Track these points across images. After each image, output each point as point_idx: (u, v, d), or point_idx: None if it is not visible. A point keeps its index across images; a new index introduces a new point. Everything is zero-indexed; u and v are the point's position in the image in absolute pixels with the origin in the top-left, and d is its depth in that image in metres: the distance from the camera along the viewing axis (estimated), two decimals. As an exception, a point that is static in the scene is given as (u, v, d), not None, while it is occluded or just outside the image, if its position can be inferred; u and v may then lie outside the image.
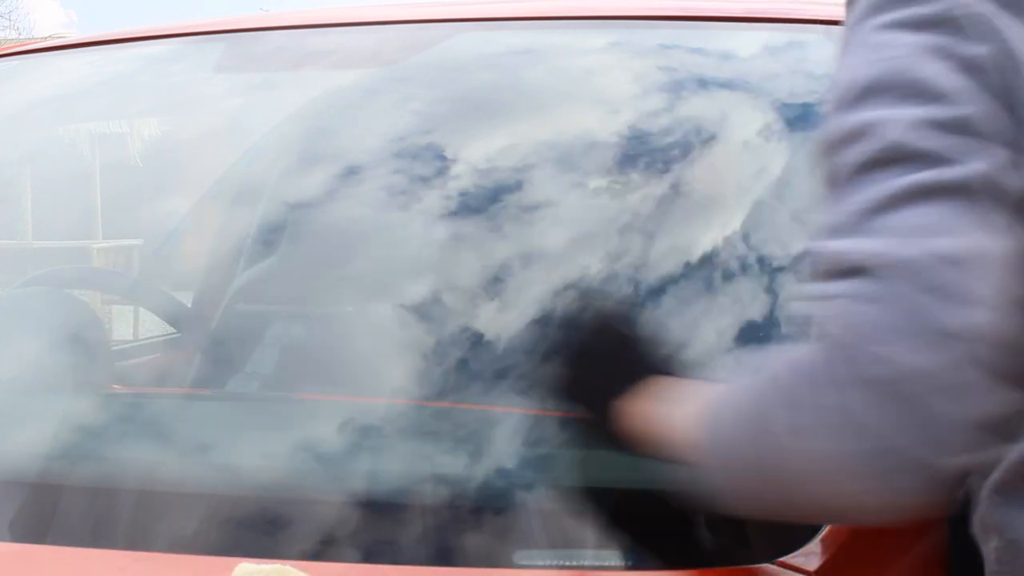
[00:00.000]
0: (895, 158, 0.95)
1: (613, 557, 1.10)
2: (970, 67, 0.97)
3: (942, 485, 0.91)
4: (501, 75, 1.82)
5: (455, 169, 1.65)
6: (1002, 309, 0.91)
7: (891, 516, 0.93)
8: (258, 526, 1.16)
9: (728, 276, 1.48)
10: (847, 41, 1.04)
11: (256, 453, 1.32)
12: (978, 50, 0.97)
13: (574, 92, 1.78)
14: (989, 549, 1.05)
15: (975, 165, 0.94)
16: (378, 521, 1.16)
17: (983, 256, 0.92)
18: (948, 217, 0.92)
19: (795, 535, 1.07)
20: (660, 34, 1.83)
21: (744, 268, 1.45)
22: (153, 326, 2.37)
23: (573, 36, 1.88)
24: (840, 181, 0.97)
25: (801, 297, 0.97)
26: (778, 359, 0.98)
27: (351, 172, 1.72)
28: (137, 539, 1.16)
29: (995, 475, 1.04)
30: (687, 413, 1.01)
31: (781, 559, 1.04)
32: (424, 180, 1.63)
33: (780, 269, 1.43)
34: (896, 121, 0.95)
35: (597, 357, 1.12)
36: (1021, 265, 0.96)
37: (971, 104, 0.96)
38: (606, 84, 1.78)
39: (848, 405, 0.89)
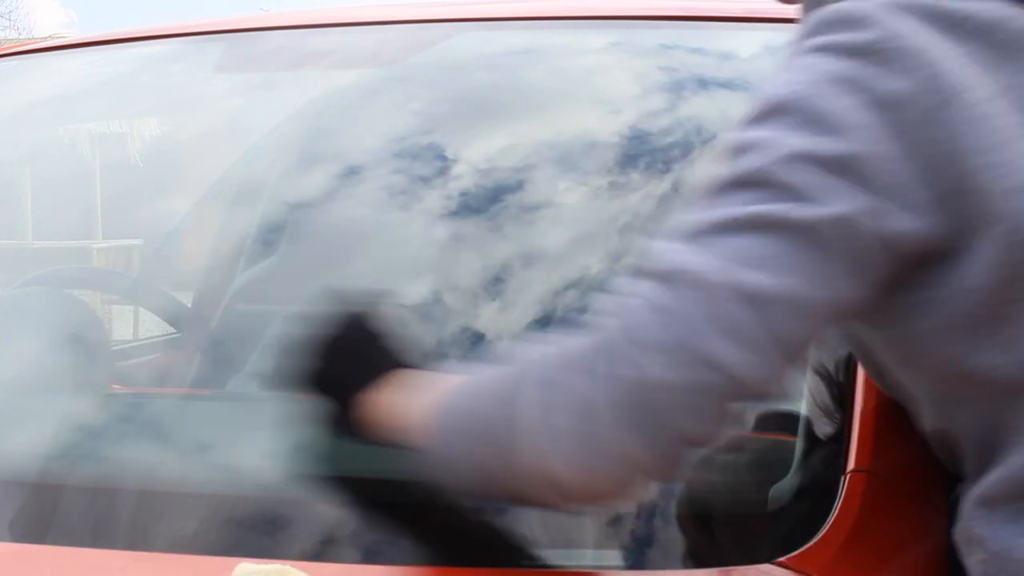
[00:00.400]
0: (759, 183, 0.96)
1: (613, 557, 1.10)
2: (882, 103, 0.96)
3: (637, 482, 0.99)
4: (501, 75, 1.82)
5: (454, 169, 1.65)
6: (771, 358, 0.94)
7: (587, 497, 0.99)
8: (258, 526, 1.16)
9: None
10: (786, 58, 1.04)
11: (256, 453, 1.32)
12: (898, 85, 0.96)
13: (574, 92, 1.78)
14: (974, 561, 1.05)
15: (833, 208, 0.95)
16: (378, 521, 1.16)
17: (785, 302, 0.94)
18: (773, 255, 0.94)
19: (795, 535, 1.07)
20: (660, 34, 1.83)
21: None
22: (153, 326, 2.37)
23: (573, 36, 1.88)
24: (709, 190, 0.99)
25: (610, 289, 1.00)
26: (547, 346, 1.00)
27: (351, 172, 1.72)
28: (137, 539, 1.16)
29: (977, 490, 1.05)
30: (425, 400, 1.05)
31: (781, 559, 1.04)
32: (424, 180, 1.63)
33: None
34: (778, 147, 0.96)
35: (342, 351, 1.14)
36: (831, 317, 0.98)
37: (864, 143, 0.96)
38: (606, 84, 1.78)
39: (592, 395, 0.93)
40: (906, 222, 0.96)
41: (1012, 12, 1.01)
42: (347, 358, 1.13)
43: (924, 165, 0.96)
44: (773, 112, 0.99)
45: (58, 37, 3.45)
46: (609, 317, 0.97)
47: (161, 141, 2.37)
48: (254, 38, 2.00)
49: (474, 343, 1.44)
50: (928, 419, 1.11)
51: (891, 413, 1.20)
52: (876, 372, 1.16)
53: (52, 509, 1.22)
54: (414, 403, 1.06)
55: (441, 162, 1.66)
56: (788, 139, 0.96)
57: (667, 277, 0.95)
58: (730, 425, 0.97)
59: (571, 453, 0.94)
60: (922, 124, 0.96)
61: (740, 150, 0.99)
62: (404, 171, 1.66)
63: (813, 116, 0.97)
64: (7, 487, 1.26)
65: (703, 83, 1.71)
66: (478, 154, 1.66)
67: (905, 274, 1.00)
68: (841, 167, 0.95)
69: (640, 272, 0.97)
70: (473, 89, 1.77)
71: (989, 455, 1.05)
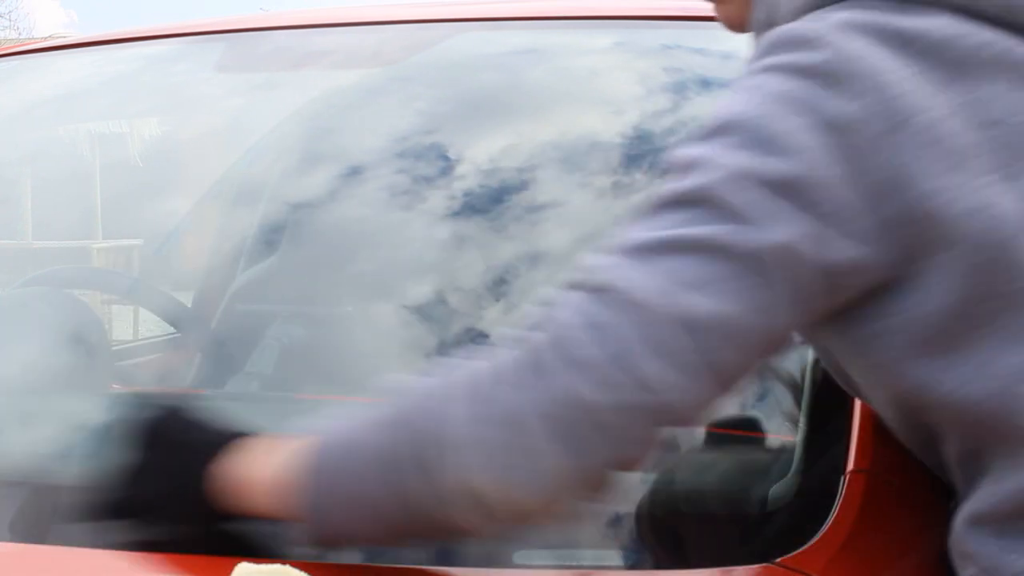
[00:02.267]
0: (701, 201, 0.94)
1: (613, 557, 1.10)
2: (830, 126, 0.94)
3: (564, 500, 0.95)
4: (502, 75, 1.82)
5: (455, 169, 1.65)
6: (704, 384, 0.92)
7: (513, 514, 0.95)
8: (258, 526, 1.16)
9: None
10: (737, 81, 1.02)
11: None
12: (848, 108, 0.95)
13: (574, 92, 1.78)
14: (967, 575, 1.05)
15: (774, 235, 0.93)
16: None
17: (721, 328, 0.92)
18: (711, 279, 0.92)
19: (795, 535, 1.07)
20: (661, 34, 1.83)
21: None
22: (153, 326, 2.37)
23: (573, 36, 1.88)
24: (651, 207, 0.97)
25: (542, 299, 0.97)
26: (466, 366, 0.97)
27: (351, 172, 1.72)
28: (136, 539, 1.15)
29: (966, 506, 1.04)
30: (285, 456, 1.00)
31: (781, 559, 1.04)
32: (424, 180, 1.63)
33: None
34: (722, 166, 0.94)
35: (164, 441, 1.08)
36: (769, 345, 0.96)
37: (809, 166, 0.94)
38: (606, 84, 1.78)
39: (522, 407, 0.91)
40: (850, 250, 0.94)
41: (965, 29, 0.99)
42: (171, 446, 1.08)
43: (870, 191, 0.94)
44: (720, 130, 0.97)
45: (58, 37, 3.45)
46: (539, 330, 0.94)
47: (161, 141, 2.37)
48: (254, 38, 2.00)
49: (478, 344, 1.44)
50: (908, 441, 1.11)
51: (891, 413, 1.20)
52: (847, 384, 1.13)
53: (52, 509, 1.22)
54: (272, 461, 1.01)
55: (442, 162, 1.66)
56: (733, 158, 0.94)
57: (602, 292, 0.93)
58: (655, 449, 0.95)
59: (499, 466, 0.92)
60: (871, 148, 0.94)
61: (684, 167, 0.97)
62: (404, 171, 1.66)
63: (760, 136, 0.95)
64: (7, 487, 1.25)
65: (705, 83, 1.71)
66: (479, 154, 1.66)
67: (855, 304, 0.98)
68: (785, 189, 0.93)
69: (574, 285, 0.95)
70: (473, 89, 1.77)
71: (973, 475, 1.04)
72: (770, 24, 1.06)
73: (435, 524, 0.97)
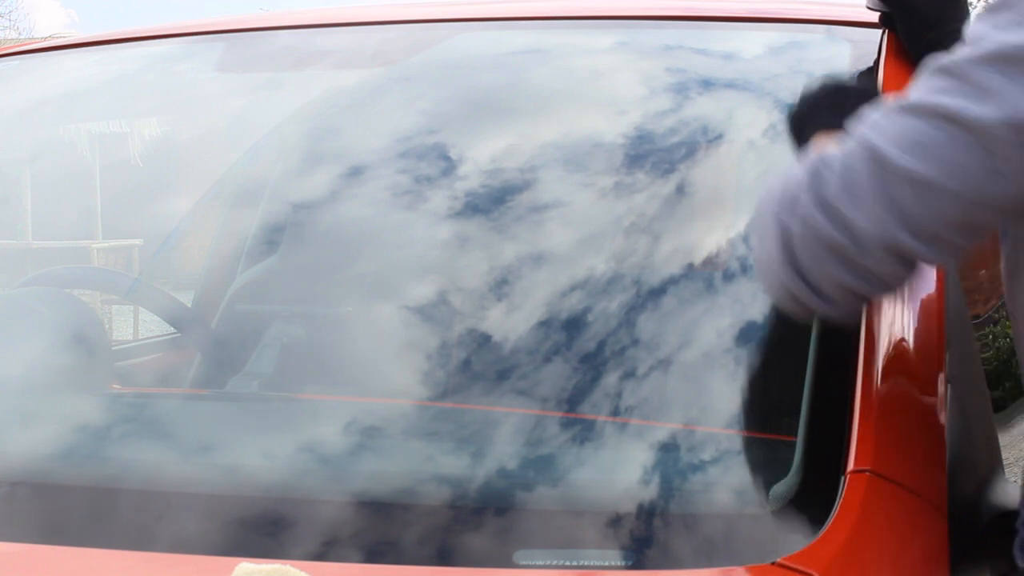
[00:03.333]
0: (953, 75, 1.06)
1: (613, 557, 1.10)
2: None
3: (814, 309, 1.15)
4: (503, 75, 1.82)
5: (455, 169, 1.65)
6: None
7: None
8: (258, 526, 1.16)
9: (731, 276, 1.48)
10: None
11: (256, 453, 1.32)
12: None
13: (576, 92, 1.78)
14: None
15: (1006, 105, 1.02)
16: (378, 521, 1.16)
17: (941, 191, 1.06)
18: (937, 146, 1.06)
19: (795, 535, 1.07)
20: (664, 34, 1.83)
21: (750, 267, 1.45)
22: (153, 326, 2.37)
23: (574, 36, 1.88)
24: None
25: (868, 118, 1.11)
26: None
27: (351, 172, 1.72)
28: (137, 539, 1.15)
29: None
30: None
31: (781, 559, 1.04)
32: (425, 180, 1.63)
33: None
34: (984, 46, 1.05)
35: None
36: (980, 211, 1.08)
37: None
38: (608, 84, 1.78)
39: (787, 226, 1.12)
40: None
41: None
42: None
43: None
44: (997, 8, 1.06)
45: (58, 37, 3.45)
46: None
47: (161, 141, 2.38)
48: (254, 38, 2.00)
49: (475, 343, 1.44)
50: None
51: (891, 413, 1.20)
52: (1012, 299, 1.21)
53: (52, 509, 1.22)
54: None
55: (442, 162, 1.66)
56: (999, 36, 1.04)
57: (852, 138, 1.10)
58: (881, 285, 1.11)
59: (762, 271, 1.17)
60: None
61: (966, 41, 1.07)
62: (404, 171, 1.66)
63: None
64: (7, 487, 1.26)
65: (708, 83, 1.71)
66: (480, 154, 1.66)
67: None
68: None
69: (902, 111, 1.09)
70: (474, 89, 1.77)
71: None
72: None
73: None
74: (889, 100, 1.12)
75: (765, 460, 1.23)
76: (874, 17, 1.63)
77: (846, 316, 1.18)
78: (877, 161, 1.06)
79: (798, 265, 1.12)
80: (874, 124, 1.09)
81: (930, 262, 1.14)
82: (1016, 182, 1.03)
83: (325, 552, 1.12)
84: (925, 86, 1.08)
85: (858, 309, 1.20)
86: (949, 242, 1.09)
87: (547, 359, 1.37)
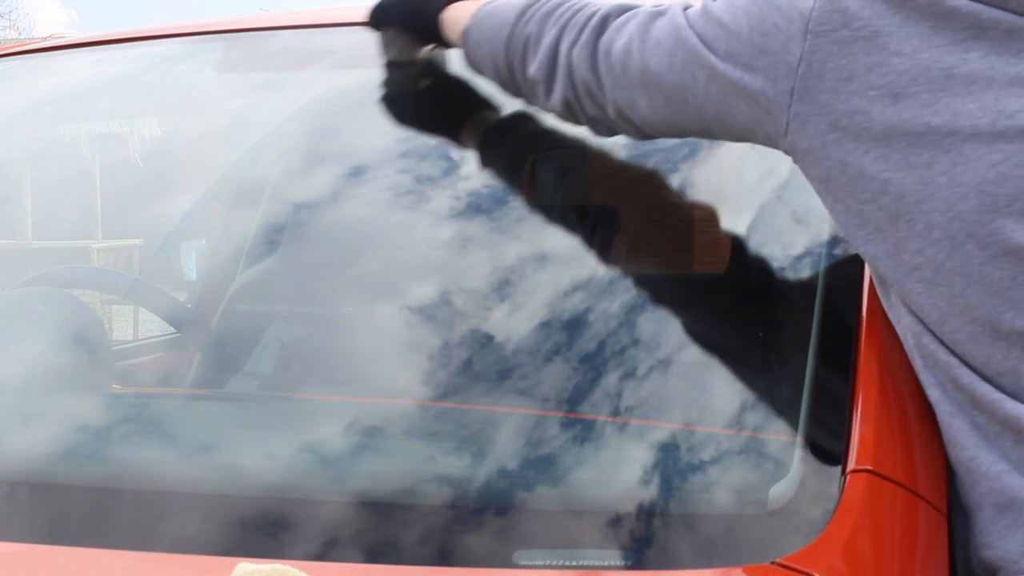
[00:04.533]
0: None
1: (613, 557, 1.10)
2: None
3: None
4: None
5: (457, 169, 1.65)
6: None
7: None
8: (258, 526, 1.16)
9: (732, 276, 1.48)
10: None
11: (256, 453, 1.32)
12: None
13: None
14: None
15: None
16: (378, 521, 1.16)
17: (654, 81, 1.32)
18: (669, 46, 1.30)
19: (795, 535, 1.07)
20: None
21: (750, 268, 1.45)
22: (153, 326, 2.37)
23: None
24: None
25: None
26: None
27: (351, 172, 1.72)
28: (136, 539, 1.15)
29: None
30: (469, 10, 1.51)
31: (781, 559, 1.04)
32: (425, 180, 1.63)
33: (785, 266, 1.43)
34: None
35: None
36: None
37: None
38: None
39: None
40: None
41: None
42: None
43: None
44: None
45: (58, 37, 3.45)
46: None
47: (161, 141, 2.38)
48: (254, 38, 2.00)
49: (475, 343, 1.44)
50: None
51: (891, 413, 1.20)
52: None
53: (52, 509, 1.22)
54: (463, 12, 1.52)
55: (443, 162, 1.66)
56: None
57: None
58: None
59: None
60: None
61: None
62: (405, 171, 1.66)
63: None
64: (7, 487, 1.26)
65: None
66: (480, 155, 1.66)
67: None
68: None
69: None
70: (475, 89, 1.77)
71: None
72: None
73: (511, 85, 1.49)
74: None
75: (765, 460, 1.23)
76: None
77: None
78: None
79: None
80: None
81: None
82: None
83: (325, 552, 1.12)
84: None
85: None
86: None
87: (547, 359, 1.37)
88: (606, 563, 1.10)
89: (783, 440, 1.21)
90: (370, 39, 1.68)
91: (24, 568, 1.12)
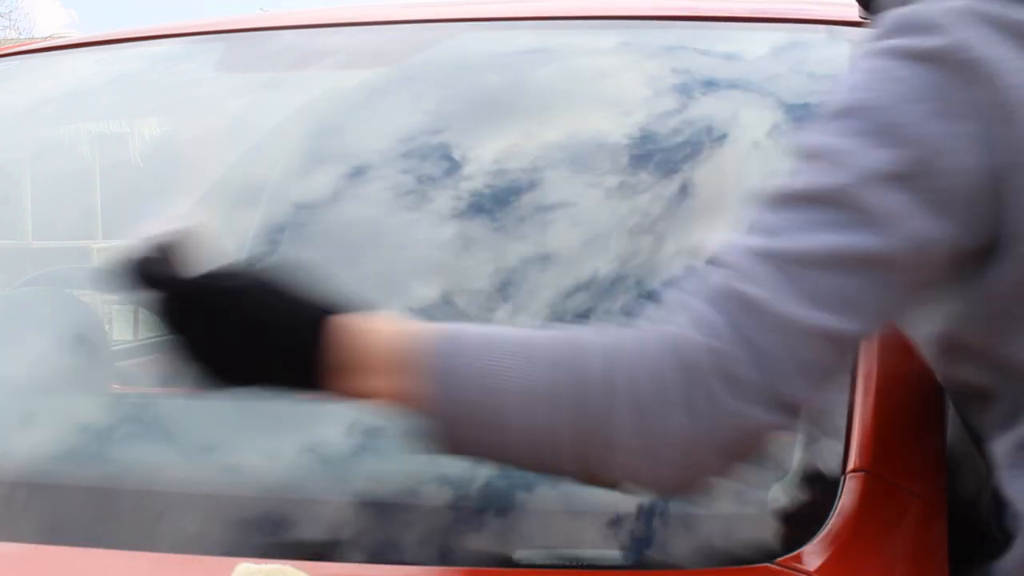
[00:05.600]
0: (837, 203, 0.95)
1: (613, 557, 1.10)
2: (950, 114, 0.96)
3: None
4: (505, 75, 1.82)
5: (458, 170, 1.65)
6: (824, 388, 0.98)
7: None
8: (258, 526, 1.16)
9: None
10: (855, 59, 1.03)
11: (256, 453, 1.32)
12: (965, 95, 0.96)
13: (578, 92, 1.78)
14: None
15: (908, 230, 0.94)
16: (378, 521, 1.16)
17: (851, 341, 0.97)
18: (853, 296, 0.94)
19: (795, 535, 1.07)
20: (663, 34, 1.83)
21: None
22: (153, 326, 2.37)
23: (577, 36, 1.88)
24: (781, 197, 0.97)
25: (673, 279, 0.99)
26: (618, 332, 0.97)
27: (352, 173, 1.72)
28: (137, 539, 1.16)
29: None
30: (421, 344, 0.96)
31: (781, 559, 1.04)
32: (427, 181, 1.63)
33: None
34: (854, 162, 0.95)
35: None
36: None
37: (933, 153, 0.95)
38: (611, 85, 1.78)
39: (686, 435, 0.94)
40: (952, 230, 0.97)
41: None
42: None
43: (985, 177, 0.96)
44: (844, 115, 0.98)
45: (58, 37, 3.45)
46: (696, 330, 0.93)
47: (161, 141, 2.37)
48: (254, 38, 2.00)
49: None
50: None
51: (891, 413, 1.20)
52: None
53: (52, 509, 1.22)
54: (406, 343, 0.97)
55: (445, 163, 1.66)
56: (864, 152, 0.95)
57: (750, 307, 0.93)
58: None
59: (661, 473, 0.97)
60: (985, 140, 0.96)
61: (813, 156, 0.97)
62: (407, 172, 1.66)
63: (884, 124, 0.96)
64: (8, 487, 1.26)
65: (711, 83, 1.71)
66: (482, 155, 1.66)
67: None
68: (910, 181, 0.95)
69: (719, 289, 0.94)
70: (476, 90, 1.77)
71: None
72: (889, 4, 1.08)
73: (562, 472, 0.98)
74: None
75: (764, 460, 1.23)
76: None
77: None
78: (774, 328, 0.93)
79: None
80: (761, 291, 0.93)
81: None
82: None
83: (325, 552, 1.12)
84: (803, 221, 0.95)
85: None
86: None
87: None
88: (606, 563, 1.10)
89: (782, 440, 1.21)
90: (370, 39, 1.68)
91: (24, 568, 1.12)
